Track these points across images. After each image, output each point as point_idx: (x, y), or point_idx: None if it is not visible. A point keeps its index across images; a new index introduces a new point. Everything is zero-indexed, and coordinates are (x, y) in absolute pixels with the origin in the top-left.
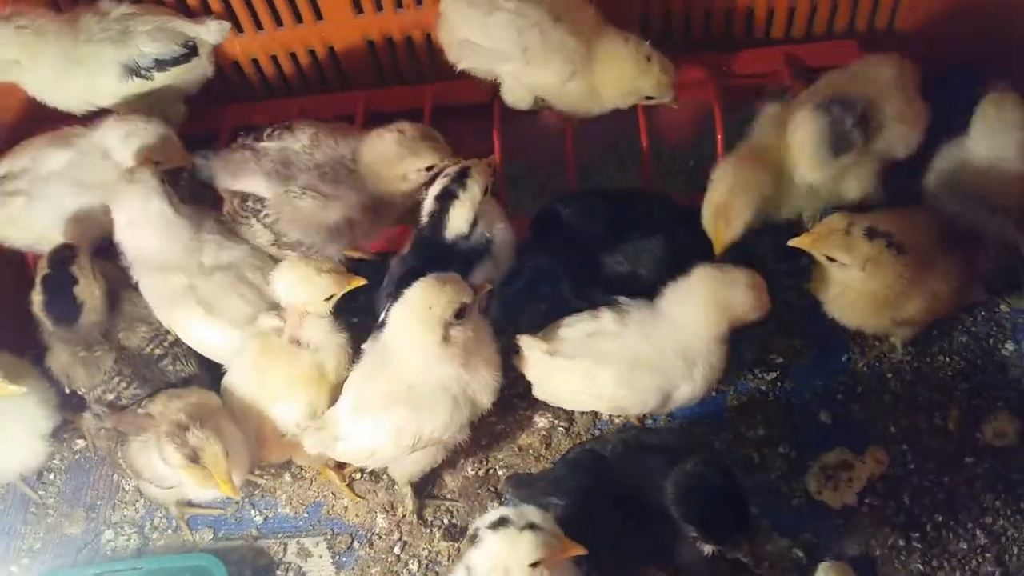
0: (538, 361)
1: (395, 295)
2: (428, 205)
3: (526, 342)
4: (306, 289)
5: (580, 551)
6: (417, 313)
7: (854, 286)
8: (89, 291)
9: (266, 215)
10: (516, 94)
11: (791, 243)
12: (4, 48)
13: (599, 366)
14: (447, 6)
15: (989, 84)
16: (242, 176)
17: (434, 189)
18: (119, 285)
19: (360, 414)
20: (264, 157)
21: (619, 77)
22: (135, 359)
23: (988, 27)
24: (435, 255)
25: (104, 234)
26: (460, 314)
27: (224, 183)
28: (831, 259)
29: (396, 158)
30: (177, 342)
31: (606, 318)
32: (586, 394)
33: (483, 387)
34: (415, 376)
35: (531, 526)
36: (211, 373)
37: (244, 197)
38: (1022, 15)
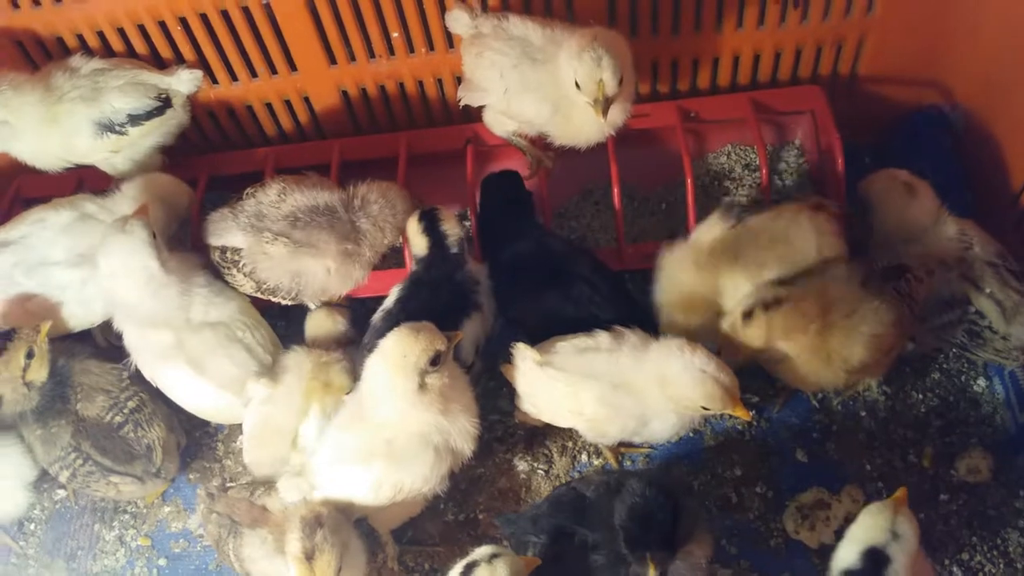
0: (528, 371)
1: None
2: (418, 240)
3: (520, 350)
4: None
5: (536, 563)
6: (392, 362)
7: (790, 352)
8: (10, 386)
9: (244, 264)
10: (500, 124)
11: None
12: None
13: (584, 382)
14: (462, 50)
15: (950, 126)
16: (222, 233)
17: (414, 227)
18: (71, 357)
19: (339, 466)
20: (241, 214)
21: (567, 57)
22: (94, 429)
23: (947, 70)
24: (419, 311)
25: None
26: (435, 361)
27: (209, 241)
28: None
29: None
30: (138, 408)
31: (602, 338)
32: (568, 409)
33: (463, 434)
34: (394, 429)
35: (494, 555)
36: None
37: (223, 249)
38: (977, 58)
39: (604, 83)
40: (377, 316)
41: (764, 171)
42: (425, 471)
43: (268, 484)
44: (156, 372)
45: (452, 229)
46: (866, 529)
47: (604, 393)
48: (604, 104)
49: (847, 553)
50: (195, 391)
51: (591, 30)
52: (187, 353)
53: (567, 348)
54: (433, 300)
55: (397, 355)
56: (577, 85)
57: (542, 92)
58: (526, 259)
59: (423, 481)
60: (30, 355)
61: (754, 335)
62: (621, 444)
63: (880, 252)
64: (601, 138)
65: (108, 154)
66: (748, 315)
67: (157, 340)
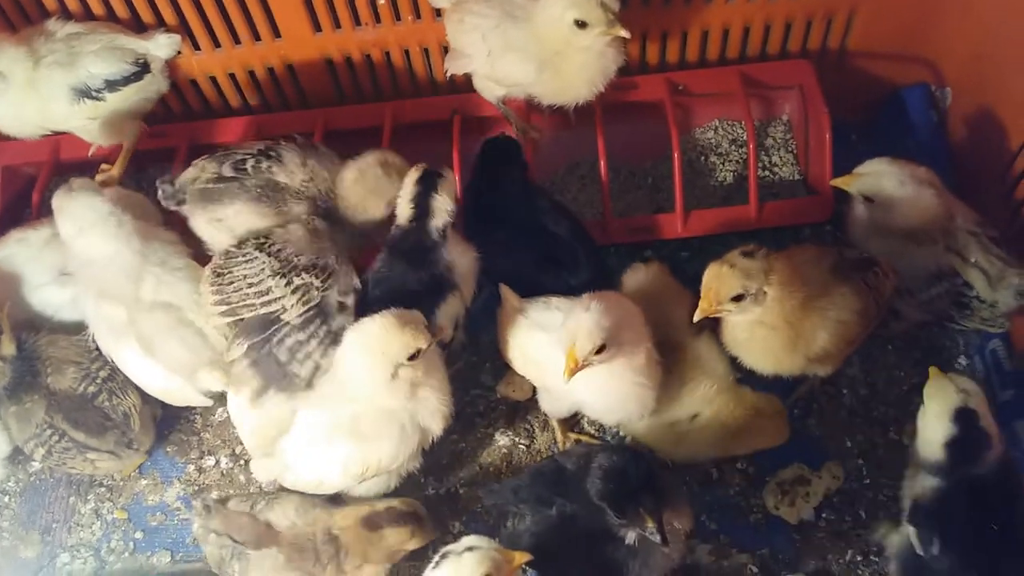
0: (506, 313)
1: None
2: (405, 209)
3: (504, 291)
4: None
5: (526, 558)
6: (371, 350)
7: (766, 320)
8: None
9: (271, 244)
10: (489, 89)
11: (696, 319)
12: None
13: (535, 330)
14: (445, 20)
15: (937, 103)
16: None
17: (406, 192)
18: (34, 331)
19: (308, 444)
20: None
21: (548, 10)
22: (67, 403)
23: (935, 47)
24: (397, 288)
25: None
26: (414, 356)
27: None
28: (739, 298)
29: (387, 189)
30: (110, 377)
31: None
32: (523, 357)
33: (432, 413)
34: (361, 406)
35: (469, 548)
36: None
37: (241, 240)
38: (967, 36)
39: (608, 4)
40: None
41: (751, 146)
42: (392, 449)
43: (268, 496)
44: (111, 347)
45: (442, 209)
46: (940, 401)
47: (544, 343)
48: (618, 23)
49: (937, 429)
50: (145, 371)
51: None
52: (138, 331)
53: (543, 302)
54: (407, 281)
55: (377, 344)
56: (579, 24)
57: (526, 50)
58: (509, 217)
59: (390, 459)
60: None
61: (747, 269)
62: (577, 430)
63: (857, 231)
64: (591, 94)
65: (86, 121)
66: (749, 255)
67: (111, 315)
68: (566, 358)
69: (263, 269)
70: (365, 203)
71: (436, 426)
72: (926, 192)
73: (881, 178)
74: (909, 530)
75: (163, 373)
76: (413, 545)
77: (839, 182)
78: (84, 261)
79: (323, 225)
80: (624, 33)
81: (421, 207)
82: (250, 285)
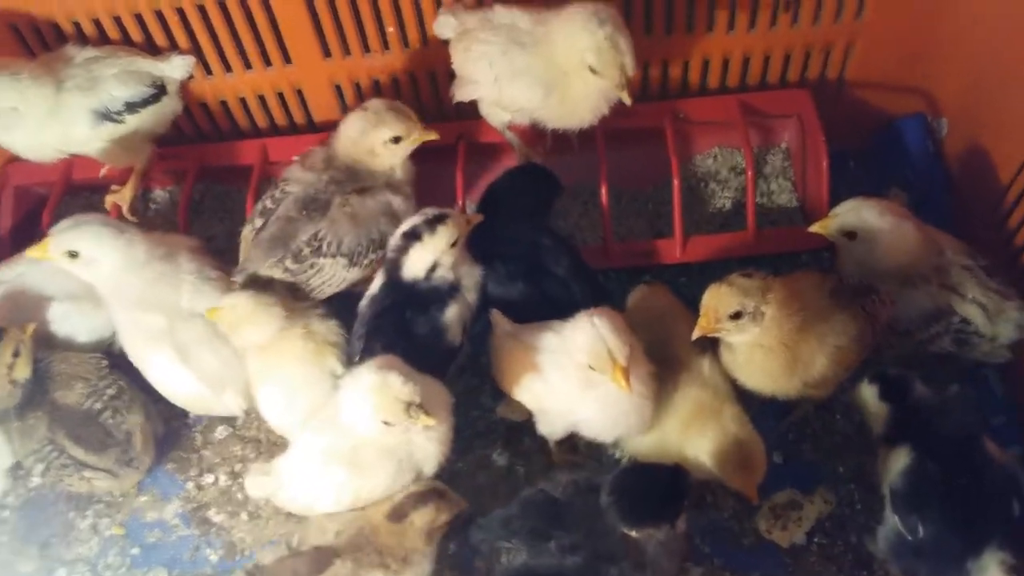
0: (498, 337)
1: (368, 337)
2: (394, 240)
3: (496, 315)
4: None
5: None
6: (362, 401)
7: (763, 342)
8: None
9: (326, 244)
10: (495, 115)
11: (695, 337)
12: (4, 95)
13: (531, 353)
14: (451, 49)
15: (933, 133)
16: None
17: (404, 225)
18: (50, 350)
19: (305, 466)
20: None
21: (569, 38)
22: (70, 419)
23: (932, 78)
24: (406, 294)
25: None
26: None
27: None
28: (737, 316)
29: (361, 132)
30: (117, 395)
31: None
32: (517, 377)
33: (427, 456)
34: (360, 437)
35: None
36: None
37: (296, 253)
38: (962, 65)
39: (626, 66)
40: (364, 303)
41: (750, 174)
42: (386, 482)
43: (298, 520)
44: (142, 354)
45: (413, 264)
46: (860, 383)
47: (545, 367)
48: (629, 85)
49: (869, 397)
50: (174, 378)
51: (584, 6)
52: (175, 339)
53: (536, 326)
54: (415, 290)
55: (368, 401)
56: (593, 70)
57: (532, 75)
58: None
59: (383, 491)
60: (16, 354)
61: (745, 287)
62: (573, 451)
63: (849, 267)
64: (595, 119)
65: (105, 143)
66: (748, 276)
67: (149, 322)
68: (612, 371)
69: (334, 268)
70: (366, 148)
71: (429, 468)
72: (906, 224)
73: (860, 211)
74: (894, 519)
75: (192, 381)
76: (444, 519)
77: (817, 228)
78: (121, 279)
79: (358, 202)
80: (627, 99)
81: (397, 256)
82: (332, 285)
